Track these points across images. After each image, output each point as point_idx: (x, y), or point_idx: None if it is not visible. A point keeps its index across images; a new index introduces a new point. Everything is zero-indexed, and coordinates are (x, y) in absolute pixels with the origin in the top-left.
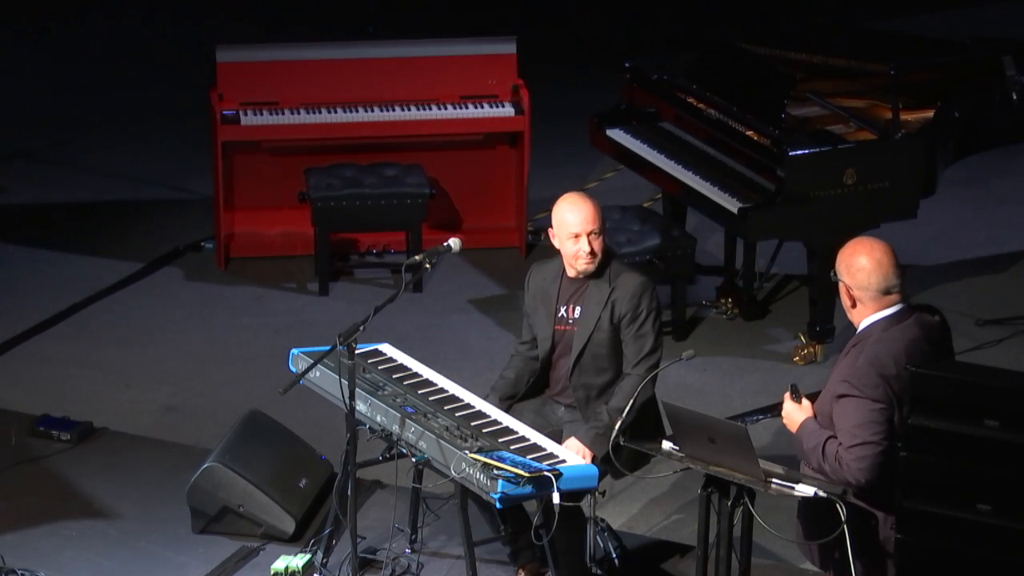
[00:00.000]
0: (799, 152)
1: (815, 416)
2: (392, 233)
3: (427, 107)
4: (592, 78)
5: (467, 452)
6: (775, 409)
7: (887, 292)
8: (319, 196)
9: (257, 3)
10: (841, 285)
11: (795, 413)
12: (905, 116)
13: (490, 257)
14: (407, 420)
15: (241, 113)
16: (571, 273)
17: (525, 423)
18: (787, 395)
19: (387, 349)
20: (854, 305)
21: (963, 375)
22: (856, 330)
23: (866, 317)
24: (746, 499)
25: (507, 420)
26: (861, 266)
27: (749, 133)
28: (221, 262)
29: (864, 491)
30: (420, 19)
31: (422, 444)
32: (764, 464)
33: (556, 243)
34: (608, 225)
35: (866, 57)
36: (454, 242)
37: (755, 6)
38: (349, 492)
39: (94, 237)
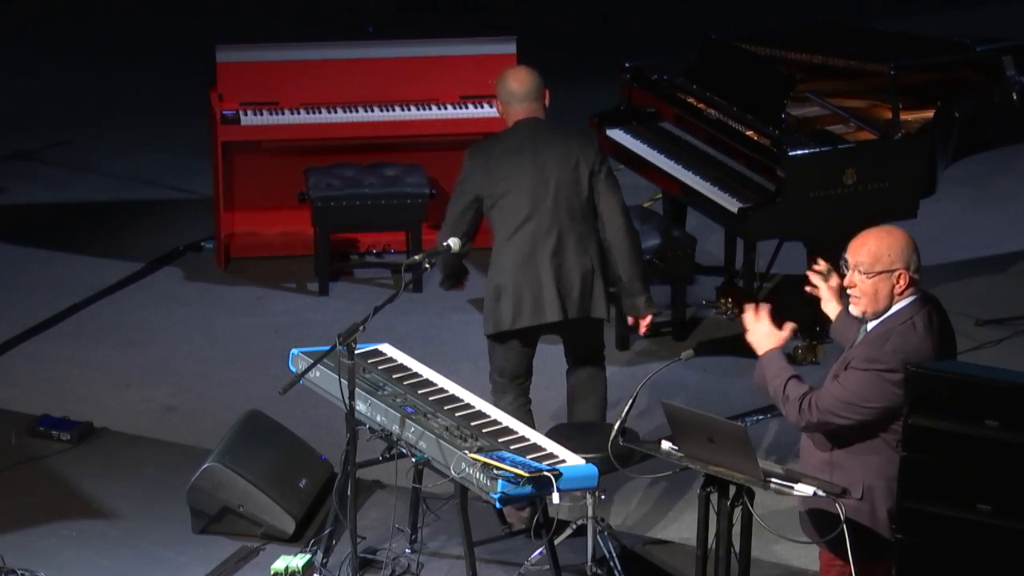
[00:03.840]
0: (799, 152)
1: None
2: (392, 233)
3: (427, 107)
4: (592, 78)
5: (467, 452)
6: (775, 409)
7: None
8: (319, 196)
9: (257, 3)
10: (894, 275)
11: (765, 339)
12: (905, 116)
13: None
14: (407, 420)
15: (241, 113)
16: None
17: None
18: (754, 311)
19: (387, 349)
20: (904, 291)
21: (963, 375)
22: (865, 319)
23: (903, 299)
24: (745, 499)
25: (507, 420)
26: (914, 246)
27: (749, 133)
28: (221, 262)
29: (801, 429)
30: (420, 19)
31: (422, 444)
32: (763, 464)
33: None
34: None
35: (866, 57)
36: (454, 242)
37: (755, 6)
38: (349, 492)
39: (94, 237)
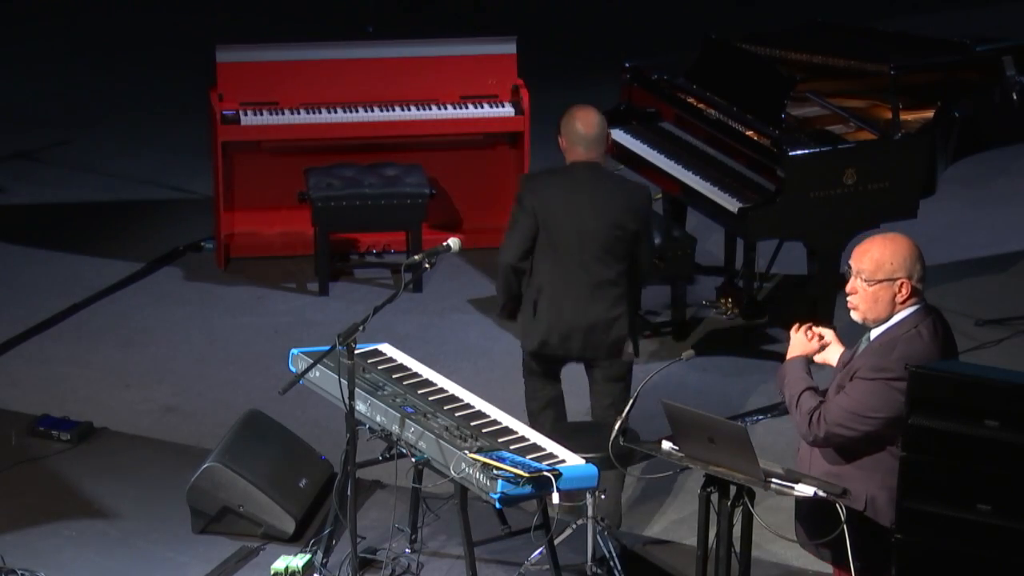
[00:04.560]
0: (799, 152)
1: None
2: (392, 233)
3: (427, 107)
4: (592, 78)
5: (467, 452)
6: (775, 409)
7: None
8: (319, 196)
9: (257, 3)
10: (895, 284)
11: (795, 347)
12: (905, 116)
13: (490, 257)
14: (407, 420)
15: (241, 113)
16: None
17: None
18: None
19: (387, 349)
20: (906, 300)
21: (963, 375)
22: (868, 328)
23: (906, 308)
24: (746, 499)
25: (507, 420)
26: (918, 255)
27: (749, 133)
28: (221, 262)
29: (809, 443)
30: (420, 19)
31: (422, 444)
32: (764, 464)
33: None
34: None
35: (866, 57)
36: (454, 242)
37: (755, 6)
38: (349, 492)
39: (94, 237)
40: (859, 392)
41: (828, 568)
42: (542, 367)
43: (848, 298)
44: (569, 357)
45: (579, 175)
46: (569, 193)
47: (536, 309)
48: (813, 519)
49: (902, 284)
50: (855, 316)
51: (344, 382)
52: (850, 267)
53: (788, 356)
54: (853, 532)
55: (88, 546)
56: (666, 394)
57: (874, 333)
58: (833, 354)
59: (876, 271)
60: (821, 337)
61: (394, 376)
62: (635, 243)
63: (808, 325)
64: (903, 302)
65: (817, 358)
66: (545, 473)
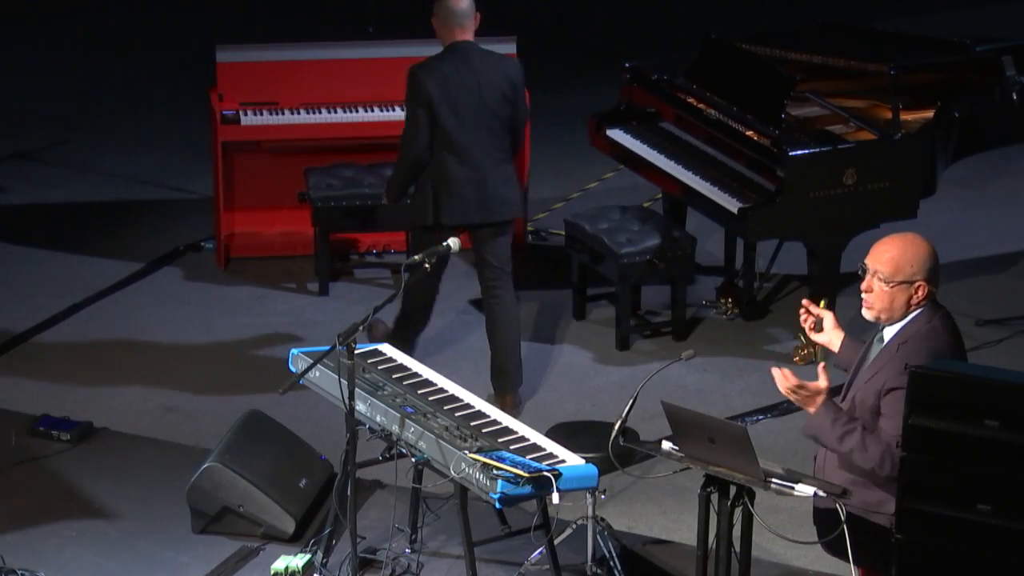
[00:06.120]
0: (799, 152)
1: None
2: (392, 233)
3: None
4: (592, 78)
5: (467, 452)
6: (775, 409)
7: None
8: (319, 196)
9: (257, 3)
10: (913, 286)
11: (817, 395)
12: (905, 116)
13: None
14: (407, 420)
15: (241, 113)
16: None
17: None
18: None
19: (387, 349)
20: (921, 302)
21: (963, 375)
22: (880, 327)
23: (919, 308)
24: (746, 499)
25: (507, 420)
26: (935, 256)
27: (749, 133)
28: (221, 262)
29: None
30: (420, 19)
31: (422, 444)
32: (764, 464)
33: None
34: (608, 225)
35: (866, 57)
36: (453, 242)
37: (755, 6)
38: (349, 492)
39: (94, 237)
40: (901, 404)
41: (829, 568)
42: (444, 235)
43: (863, 296)
44: (486, 223)
45: (460, 55)
46: (456, 73)
47: (447, 187)
48: (818, 520)
49: (919, 286)
50: (868, 315)
51: (344, 382)
52: (866, 265)
53: (815, 406)
54: (853, 532)
55: (88, 546)
56: (666, 394)
57: (888, 333)
58: (834, 337)
59: (895, 273)
60: (819, 317)
61: (394, 376)
62: (515, 109)
63: (805, 306)
64: (918, 303)
65: (818, 338)
66: (545, 473)
